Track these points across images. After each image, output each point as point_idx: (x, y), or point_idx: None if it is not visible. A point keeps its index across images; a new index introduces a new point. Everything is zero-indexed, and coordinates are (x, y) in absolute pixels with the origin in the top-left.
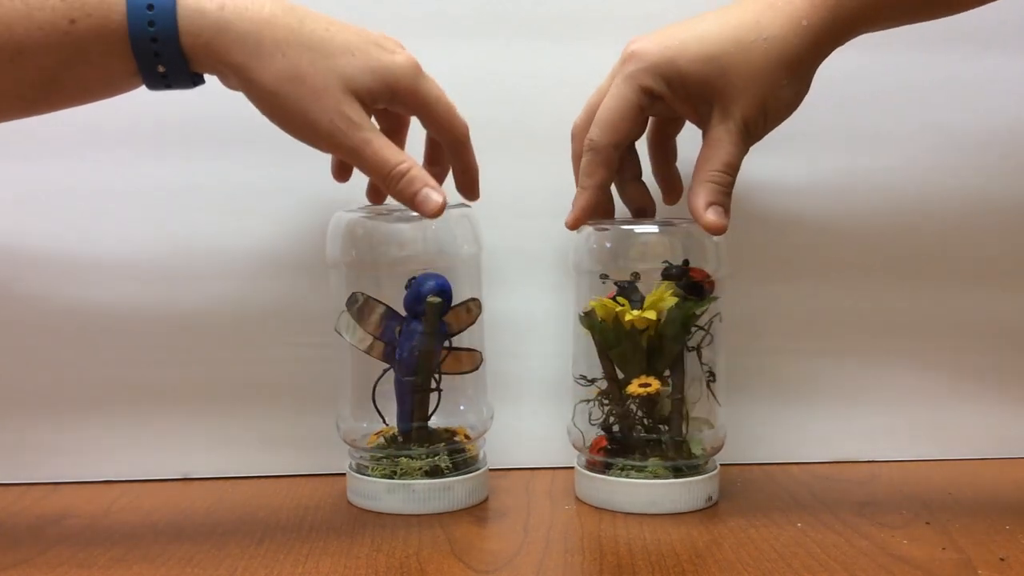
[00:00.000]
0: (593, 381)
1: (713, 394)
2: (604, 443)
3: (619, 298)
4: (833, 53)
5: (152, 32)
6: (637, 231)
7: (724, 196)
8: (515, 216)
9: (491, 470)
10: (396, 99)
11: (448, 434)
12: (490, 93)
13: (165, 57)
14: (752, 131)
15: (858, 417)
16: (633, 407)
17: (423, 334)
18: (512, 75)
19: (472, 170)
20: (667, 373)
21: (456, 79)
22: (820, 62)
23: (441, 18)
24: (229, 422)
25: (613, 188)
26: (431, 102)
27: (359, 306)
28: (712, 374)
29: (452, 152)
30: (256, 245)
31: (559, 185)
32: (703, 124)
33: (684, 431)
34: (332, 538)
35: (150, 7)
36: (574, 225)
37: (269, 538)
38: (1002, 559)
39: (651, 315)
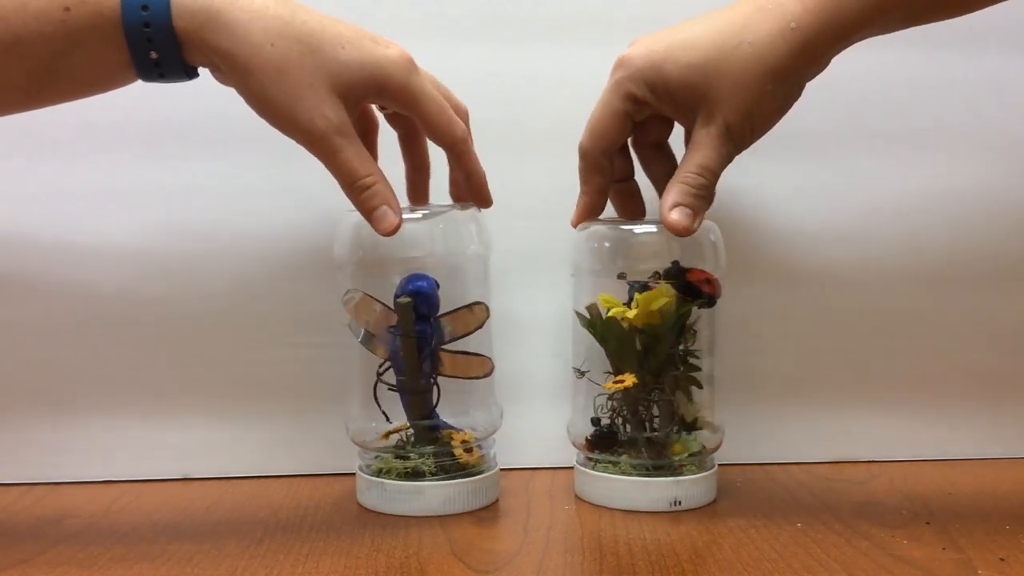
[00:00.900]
0: (584, 373)
1: (686, 393)
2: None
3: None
4: None
5: (145, 16)
6: (637, 231)
7: (694, 198)
8: (515, 216)
9: None
10: (385, 94)
11: (447, 436)
12: (490, 94)
13: (158, 43)
14: (736, 137)
15: (858, 417)
16: (616, 403)
17: (400, 335)
18: (512, 76)
19: (476, 175)
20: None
21: (456, 80)
22: (814, 69)
23: (441, 19)
24: (229, 422)
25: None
26: (422, 100)
27: (355, 303)
28: (691, 376)
29: (452, 157)
30: (256, 245)
31: (559, 185)
32: (688, 126)
33: (673, 431)
34: (332, 538)
35: None
36: (574, 224)
37: (269, 538)
38: (1002, 559)
39: (630, 313)
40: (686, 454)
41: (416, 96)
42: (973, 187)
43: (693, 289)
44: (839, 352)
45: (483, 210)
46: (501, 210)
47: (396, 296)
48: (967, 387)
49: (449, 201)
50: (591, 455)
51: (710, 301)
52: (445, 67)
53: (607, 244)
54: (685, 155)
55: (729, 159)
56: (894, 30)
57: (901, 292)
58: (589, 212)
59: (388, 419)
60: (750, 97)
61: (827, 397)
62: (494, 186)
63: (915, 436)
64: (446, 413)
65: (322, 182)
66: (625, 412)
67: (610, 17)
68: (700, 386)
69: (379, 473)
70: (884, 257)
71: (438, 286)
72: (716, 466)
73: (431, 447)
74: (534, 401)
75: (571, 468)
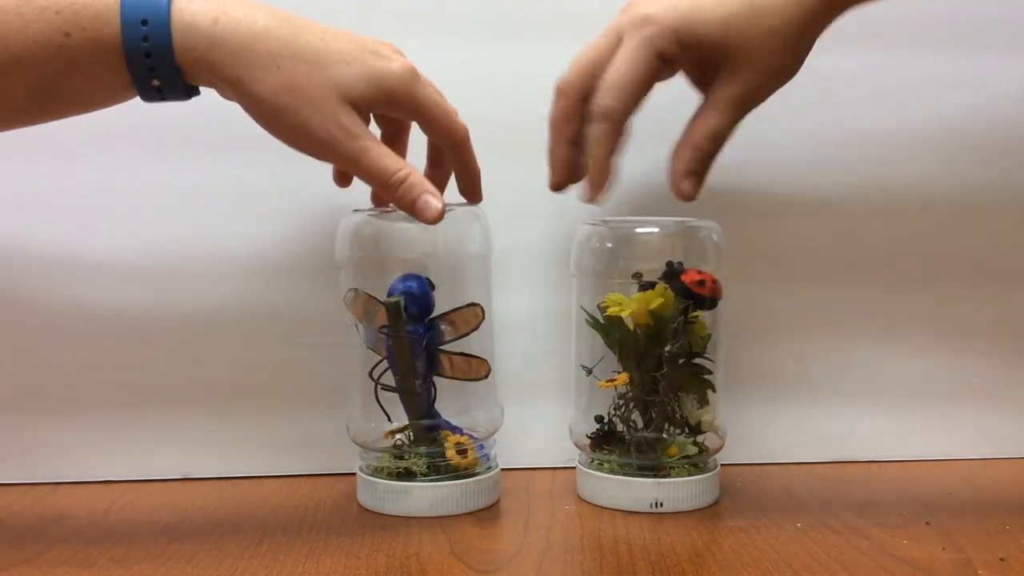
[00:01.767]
0: (590, 371)
1: (699, 396)
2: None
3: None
4: (832, 53)
5: (146, 47)
6: (638, 231)
7: (703, 166)
8: (514, 216)
9: None
10: (393, 105)
11: (443, 437)
12: (489, 93)
13: (159, 71)
14: (750, 98)
15: (858, 417)
16: (616, 402)
17: (391, 335)
18: (511, 75)
19: (473, 172)
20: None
21: (455, 79)
22: (819, 34)
23: (440, 17)
24: (229, 422)
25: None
26: (428, 107)
27: (358, 303)
28: (705, 379)
29: (452, 155)
30: (256, 245)
31: None
32: (705, 87)
33: (669, 433)
34: (332, 538)
35: (144, 22)
36: (595, 201)
37: (269, 538)
38: (1002, 559)
39: (625, 312)
40: (679, 456)
41: (423, 104)
42: (973, 187)
43: (686, 290)
44: (839, 352)
45: (479, 207)
46: (501, 209)
47: (388, 296)
48: (967, 387)
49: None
50: (591, 454)
51: (703, 302)
52: (444, 66)
53: (608, 244)
54: (697, 116)
55: (739, 123)
56: None
57: (901, 292)
58: (605, 180)
59: (390, 419)
60: (773, 58)
61: (827, 397)
62: (494, 185)
63: (915, 436)
64: (448, 413)
65: (322, 182)
66: (622, 411)
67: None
68: (714, 390)
69: (374, 472)
70: (884, 257)
71: (433, 287)
72: (719, 467)
73: (424, 448)
74: (534, 401)
75: (570, 468)
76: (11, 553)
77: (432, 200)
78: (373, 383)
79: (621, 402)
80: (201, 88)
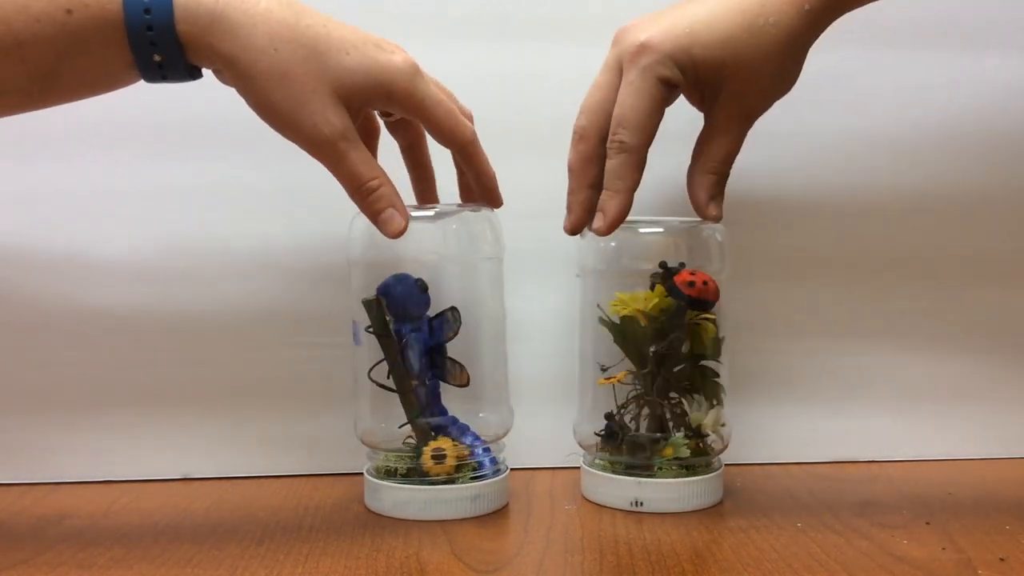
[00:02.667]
0: (606, 370)
1: (650, 393)
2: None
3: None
4: (832, 53)
5: (148, 20)
6: (642, 231)
7: (723, 188)
8: (516, 216)
9: None
10: (392, 100)
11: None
12: (491, 94)
13: (161, 46)
14: (755, 113)
15: (858, 417)
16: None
17: (373, 333)
18: (513, 76)
19: (486, 175)
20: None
21: (457, 80)
22: (816, 39)
23: (441, 19)
24: (229, 422)
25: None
26: (429, 105)
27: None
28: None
29: (461, 158)
30: (257, 245)
31: (561, 185)
32: (707, 108)
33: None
34: (332, 538)
35: None
36: (608, 232)
37: (269, 538)
38: (1002, 559)
39: (623, 311)
40: (673, 457)
41: (422, 101)
42: (973, 187)
43: (676, 291)
44: (839, 352)
45: (495, 210)
46: (505, 210)
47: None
48: (967, 387)
49: (458, 201)
50: (595, 454)
51: (693, 303)
52: (446, 67)
53: (612, 243)
54: (707, 138)
55: (746, 136)
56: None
57: (901, 292)
58: (623, 217)
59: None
60: (773, 76)
61: (827, 397)
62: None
63: (915, 436)
64: (458, 413)
65: (322, 183)
66: (629, 410)
67: (611, 17)
68: (723, 393)
69: (379, 474)
70: (884, 257)
71: (425, 289)
72: (723, 467)
73: (400, 450)
74: (536, 401)
75: (570, 468)
76: (11, 553)
77: (396, 215)
78: (374, 383)
79: (628, 401)
80: (203, 76)
